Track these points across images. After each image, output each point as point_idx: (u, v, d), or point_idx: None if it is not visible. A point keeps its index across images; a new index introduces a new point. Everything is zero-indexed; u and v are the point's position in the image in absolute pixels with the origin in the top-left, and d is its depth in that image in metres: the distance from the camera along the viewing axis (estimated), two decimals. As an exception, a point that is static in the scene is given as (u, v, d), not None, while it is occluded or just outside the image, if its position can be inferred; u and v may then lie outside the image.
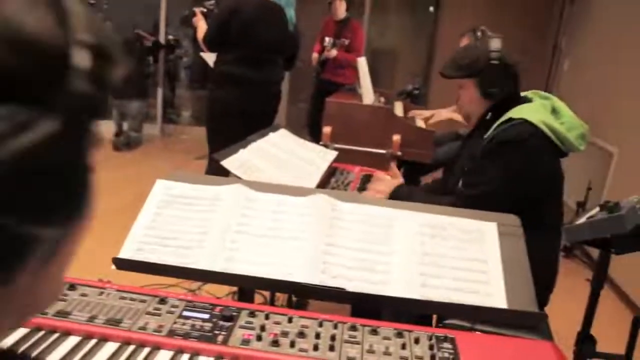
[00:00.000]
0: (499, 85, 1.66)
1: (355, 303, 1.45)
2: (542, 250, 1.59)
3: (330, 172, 2.37)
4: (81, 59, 0.29)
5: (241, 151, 1.83)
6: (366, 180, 2.36)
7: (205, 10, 2.79)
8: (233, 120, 2.71)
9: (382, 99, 3.64)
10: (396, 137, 2.85)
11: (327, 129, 2.92)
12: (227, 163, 1.67)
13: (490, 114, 1.70)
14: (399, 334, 0.99)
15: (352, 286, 1.11)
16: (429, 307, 1.10)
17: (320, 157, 2.22)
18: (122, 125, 5.41)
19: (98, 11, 6.20)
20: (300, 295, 1.18)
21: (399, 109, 3.46)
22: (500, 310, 1.09)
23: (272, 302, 2.02)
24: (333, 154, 2.30)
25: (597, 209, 1.04)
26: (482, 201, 1.34)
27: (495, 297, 1.12)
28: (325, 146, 2.95)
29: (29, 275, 0.29)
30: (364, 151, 2.89)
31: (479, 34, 3.02)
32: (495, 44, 1.63)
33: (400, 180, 1.96)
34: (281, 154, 2.02)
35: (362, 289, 1.11)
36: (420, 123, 3.32)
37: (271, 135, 2.18)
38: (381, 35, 6.12)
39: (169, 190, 1.34)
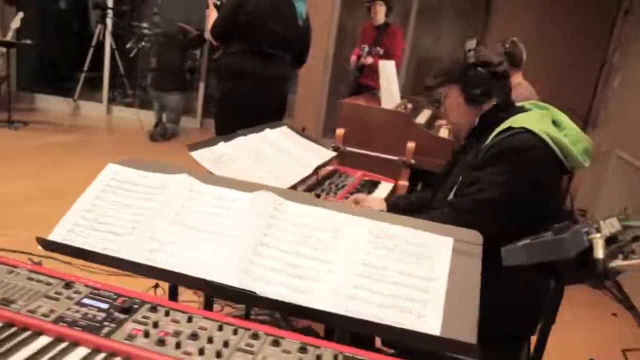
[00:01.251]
0: (483, 86, 1.53)
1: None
2: (530, 278, 1.44)
3: (329, 174, 2.29)
4: None
5: (221, 144, 1.78)
6: (366, 185, 2.27)
7: (218, 2, 2.78)
8: (235, 114, 2.68)
9: (410, 105, 3.52)
10: (410, 144, 2.73)
11: (340, 131, 2.84)
12: (197, 154, 1.62)
13: (479, 124, 1.57)
14: (303, 349, 0.90)
15: (270, 291, 1.03)
16: (351, 323, 1.00)
17: (316, 157, 2.14)
18: (162, 116, 5.54)
19: (152, 5, 6.42)
20: (215, 296, 1.12)
21: (424, 116, 3.32)
22: (427, 335, 0.97)
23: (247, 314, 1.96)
24: (330, 155, 2.22)
25: (551, 232, 0.91)
26: (475, 213, 1.20)
27: (429, 320, 1.01)
28: (337, 148, 2.88)
29: None
30: (375, 156, 2.78)
31: (507, 45, 2.87)
32: (470, 43, 1.54)
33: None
34: (268, 150, 1.96)
35: (282, 295, 1.03)
36: (445, 133, 3.17)
37: (267, 131, 2.13)
38: (427, 42, 5.96)
39: (117, 175, 1.31)
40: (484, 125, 1.55)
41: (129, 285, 1.10)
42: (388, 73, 3.18)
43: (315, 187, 2.07)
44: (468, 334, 0.98)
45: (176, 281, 1.09)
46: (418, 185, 3.08)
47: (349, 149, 2.78)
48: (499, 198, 1.41)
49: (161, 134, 5.34)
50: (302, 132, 2.39)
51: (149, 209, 1.21)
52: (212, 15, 2.85)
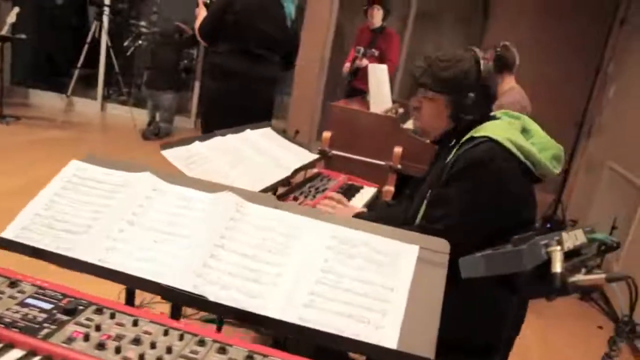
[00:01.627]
0: (476, 111, 1.47)
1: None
2: (497, 291, 1.39)
3: (311, 177, 2.26)
4: None
5: (196, 143, 1.75)
6: (349, 189, 2.23)
7: (208, 1, 2.76)
8: (222, 114, 2.66)
9: (401, 110, 3.49)
10: (397, 149, 2.70)
11: (326, 134, 2.81)
12: (169, 153, 1.59)
13: (455, 138, 1.52)
14: (249, 357, 0.87)
15: (224, 296, 1.00)
16: (304, 333, 0.96)
17: (296, 160, 2.11)
18: (155, 115, 5.51)
19: (151, 4, 6.41)
20: (169, 300, 1.08)
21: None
22: (383, 348, 0.94)
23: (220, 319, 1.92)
24: (311, 157, 2.18)
25: (511, 243, 0.87)
26: (447, 236, 1.16)
27: (387, 331, 0.97)
28: (323, 151, 2.85)
29: None
30: (361, 160, 2.75)
31: (499, 50, 2.85)
32: (487, 66, 1.44)
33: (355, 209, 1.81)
34: (247, 151, 1.93)
35: (236, 301, 0.99)
36: (434, 138, 3.14)
37: (248, 131, 2.10)
38: (426, 48, 5.93)
39: (80, 172, 1.28)
40: (458, 133, 1.51)
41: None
42: (379, 77, 3.15)
43: (295, 189, 2.04)
44: (426, 348, 0.94)
45: (128, 283, 1.06)
46: (406, 190, 3.05)
47: (334, 152, 2.75)
48: (465, 220, 1.37)
49: (154, 132, 5.31)
50: (284, 133, 2.36)
51: (108, 207, 1.17)
52: (202, 13, 2.83)
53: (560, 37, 4.64)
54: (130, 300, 1.21)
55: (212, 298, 0.98)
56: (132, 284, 1.06)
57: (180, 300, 1.02)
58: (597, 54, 3.80)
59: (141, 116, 5.67)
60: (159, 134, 5.35)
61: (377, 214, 1.83)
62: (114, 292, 1.25)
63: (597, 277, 0.82)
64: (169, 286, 0.99)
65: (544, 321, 2.78)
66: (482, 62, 1.45)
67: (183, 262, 1.05)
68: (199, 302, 0.99)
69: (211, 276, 1.04)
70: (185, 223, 1.14)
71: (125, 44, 6.35)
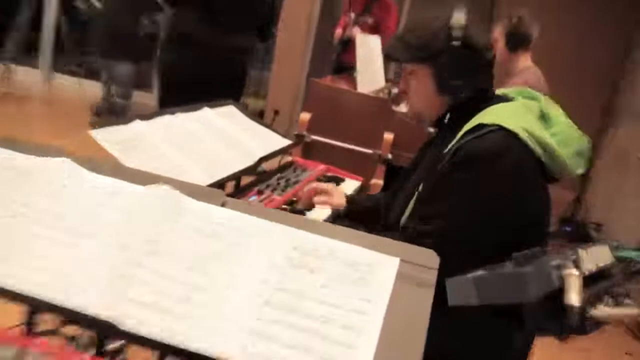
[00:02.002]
0: (464, 75, 1.38)
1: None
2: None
3: (282, 167, 2.16)
4: None
5: (137, 122, 1.63)
6: (327, 182, 2.12)
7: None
8: (181, 89, 2.53)
9: (395, 90, 3.38)
10: (388, 136, 2.59)
11: (304, 116, 2.69)
12: (100, 134, 1.46)
13: (449, 115, 1.43)
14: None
15: (147, 321, 0.88)
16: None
17: (264, 146, 1.99)
18: (110, 89, 5.35)
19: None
20: (72, 324, 0.97)
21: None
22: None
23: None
24: (283, 143, 2.07)
25: (512, 262, 0.76)
26: (439, 240, 1.07)
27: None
28: (300, 136, 2.73)
29: None
30: (345, 148, 2.64)
31: (514, 20, 2.75)
32: (458, 18, 1.34)
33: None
34: (202, 133, 1.80)
35: (162, 328, 0.88)
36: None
37: (205, 110, 1.97)
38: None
39: (-24, 156, 1.14)
40: (458, 116, 1.41)
41: None
42: (370, 50, 3.04)
43: (260, 182, 1.92)
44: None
45: (23, 303, 0.93)
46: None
47: (314, 137, 2.64)
48: (462, 221, 1.28)
49: (107, 108, 5.15)
50: (259, 118, 2.25)
51: (6, 201, 1.05)
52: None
53: (583, 13, 4.54)
54: (29, 322, 1.08)
55: (126, 326, 0.86)
56: (27, 304, 0.93)
57: (88, 327, 0.90)
58: (627, 33, 3.70)
59: (94, 89, 5.51)
60: (113, 110, 5.18)
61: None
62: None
63: (629, 311, 0.71)
64: (71, 309, 0.87)
65: (558, 343, 2.69)
66: (455, 15, 1.36)
67: (97, 275, 0.93)
68: (111, 330, 0.87)
69: (131, 294, 0.92)
70: (105, 224, 1.02)
71: (77, 3, 6.15)
